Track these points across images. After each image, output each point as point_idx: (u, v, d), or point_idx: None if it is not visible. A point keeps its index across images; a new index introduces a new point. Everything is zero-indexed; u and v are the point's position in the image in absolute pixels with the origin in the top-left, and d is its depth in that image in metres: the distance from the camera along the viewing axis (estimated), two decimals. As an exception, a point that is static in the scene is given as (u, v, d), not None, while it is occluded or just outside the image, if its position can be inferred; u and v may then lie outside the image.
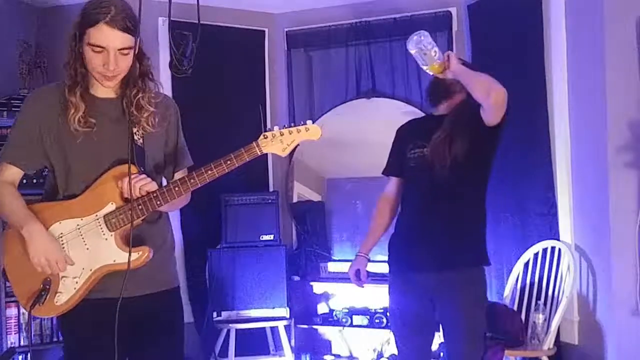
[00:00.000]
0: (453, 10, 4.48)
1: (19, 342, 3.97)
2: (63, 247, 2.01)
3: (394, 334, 2.88)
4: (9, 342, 3.92)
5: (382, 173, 2.95)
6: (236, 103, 4.75)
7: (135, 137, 2.05)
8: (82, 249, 2.02)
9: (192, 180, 2.02)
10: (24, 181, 2.18)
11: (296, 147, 2.10)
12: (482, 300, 2.74)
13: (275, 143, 2.02)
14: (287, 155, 2.07)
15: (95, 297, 2.02)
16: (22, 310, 3.96)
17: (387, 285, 2.85)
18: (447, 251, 2.64)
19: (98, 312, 2.01)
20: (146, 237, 2.07)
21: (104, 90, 2.08)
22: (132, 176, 1.99)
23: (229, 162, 2.01)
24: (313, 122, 2.08)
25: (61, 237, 2.02)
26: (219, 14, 4.58)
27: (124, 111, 2.08)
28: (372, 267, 4.63)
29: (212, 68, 4.42)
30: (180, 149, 2.23)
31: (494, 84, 2.48)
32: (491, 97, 2.45)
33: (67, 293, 2.01)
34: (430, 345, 2.80)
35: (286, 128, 2.04)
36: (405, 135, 2.87)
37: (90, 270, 2.01)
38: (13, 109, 4.05)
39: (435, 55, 2.55)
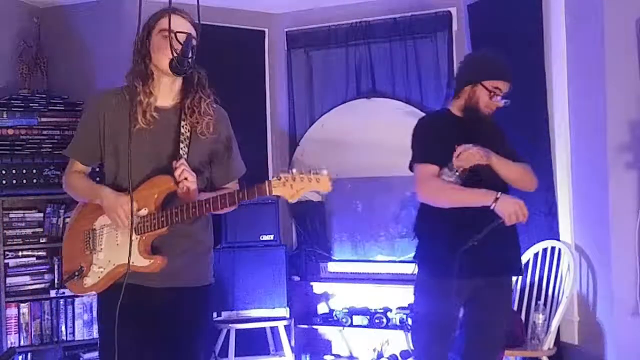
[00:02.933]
0: (453, 10, 4.48)
1: (19, 342, 3.98)
2: (101, 238, 2.25)
3: (416, 338, 2.76)
4: (9, 342, 3.92)
5: (424, 160, 2.65)
6: (236, 103, 4.73)
7: (181, 147, 2.19)
8: (114, 243, 2.23)
9: (207, 205, 2.13)
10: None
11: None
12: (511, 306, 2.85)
13: (286, 187, 2.08)
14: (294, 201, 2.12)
15: (130, 282, 2.12)
16: (22, 310, 4.00)
17: (413, 286, 2.74)
18: (512, 257, 2.71)
19: (129, 297, 2.11)
20: (165, 246, 2.19)
21: (161, 99, 2.23)
22: (183, 165, 2.15)
23: (240, 195, 2.12)
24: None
25: (103, 228, 2.25)
26: (219, 14, 4.58)
27: (177, 120, 2.22)
28: (371, 268, 4.60)
29: (212, 68, 4.41)
30: (234, 161, 2.37)
31: (533, 177, 2.74)
32: (534, 187, 2.79)
33: (92, 279, 2.26)
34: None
35: (300, 174, 2.10)
36: (445, 132, 2.67)
37: (114, 264, 2.22)
38: (13, 109, 4.06)
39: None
